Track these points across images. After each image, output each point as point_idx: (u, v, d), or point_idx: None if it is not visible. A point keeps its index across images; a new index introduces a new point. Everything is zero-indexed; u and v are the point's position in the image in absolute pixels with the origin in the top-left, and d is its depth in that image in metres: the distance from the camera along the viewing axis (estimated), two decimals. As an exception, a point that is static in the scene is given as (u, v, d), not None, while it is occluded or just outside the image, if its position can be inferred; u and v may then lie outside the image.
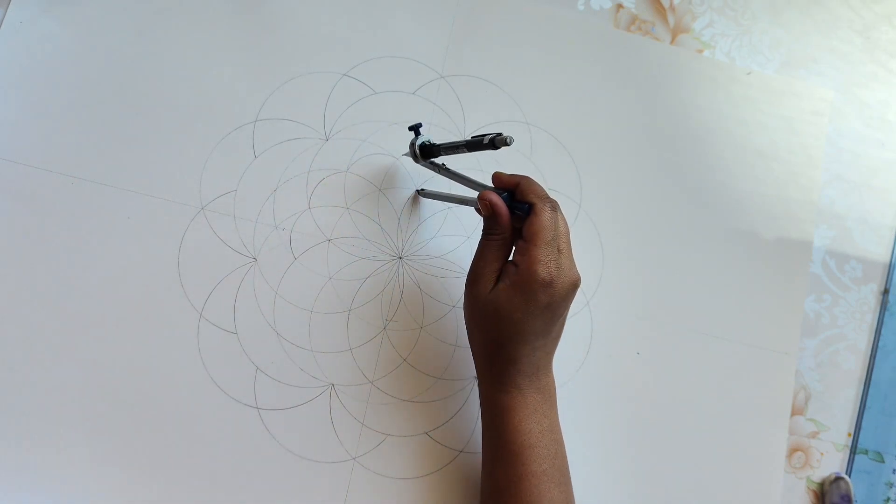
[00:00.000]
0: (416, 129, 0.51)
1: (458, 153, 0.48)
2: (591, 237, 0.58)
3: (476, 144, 0.45)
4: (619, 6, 0.62)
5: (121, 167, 0.54)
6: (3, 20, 0.55)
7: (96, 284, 0.52)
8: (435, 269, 0.56)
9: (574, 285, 0.44)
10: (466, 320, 0.48)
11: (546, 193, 0.45)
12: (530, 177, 0.46)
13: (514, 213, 0.45)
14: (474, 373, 0.55)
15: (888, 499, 0.59)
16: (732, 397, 0.57)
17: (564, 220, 0.45)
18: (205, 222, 0.54)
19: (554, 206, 0.44)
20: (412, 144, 0.51)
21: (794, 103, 0.63)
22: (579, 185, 0.59)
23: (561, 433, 0.47)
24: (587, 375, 0.56)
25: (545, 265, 0.43)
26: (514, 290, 0.44)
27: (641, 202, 0.59)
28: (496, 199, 0.45)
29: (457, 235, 0.57)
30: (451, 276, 0.56)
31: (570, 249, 0.45)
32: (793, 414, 0.58)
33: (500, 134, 0.42)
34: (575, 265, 0.45)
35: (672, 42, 0.62)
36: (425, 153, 0.51)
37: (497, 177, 0.47)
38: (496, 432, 0.46)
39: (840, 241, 0.61)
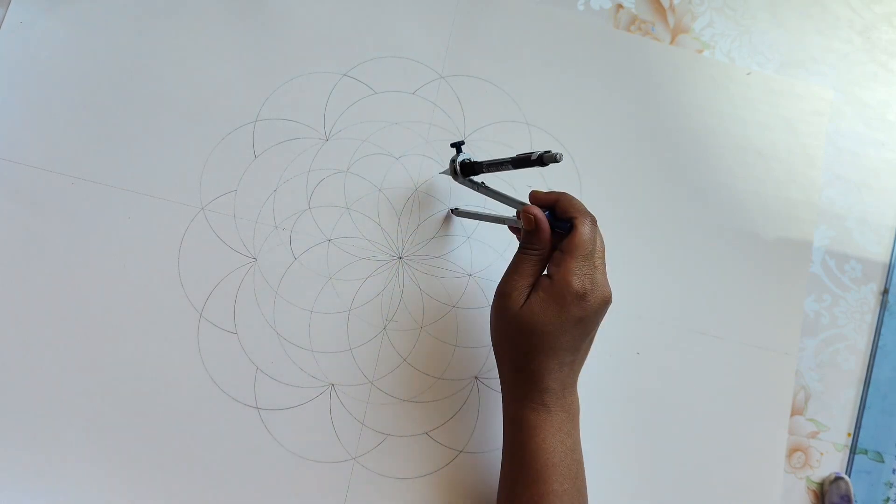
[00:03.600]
0: (458, 146, 0.50)
1: (502, 170, 0.47)
2: (591, 237, 0.58)
3: (523, 161, 0.44)
4: (619, 6, 0.62)
5: (121, 167, 0.54)
6: (3, 20, 0.55)
7: (96, 284, 0.52)
8: (435, 269, 0.56)
9: (606, 301, 0.44)
10: (493, 333, 0.47)
11: (586, 208, 0.45)
12: (569, 193, 0.46)
13: (554, 230, 0.45)
14: (474, 373, 0.55)
15: (888, 499, 0.59)
16: (732, 397, 0.57)
17: (601, 237, 0.45)
18: (205, 222, 0.54)
19: (593, 222, 0.45)
20: (452, 161, 0.50)
21: (794, 103, 0.63)
22: (579, 185, 0.59)
23: (581, 453, 0.46)
24: (587, 375, 0.56)
25: (580, 277, 0.43)
26: (548, 302, 0.43)
27: (641, 202, 0.59)
28: (540, 213, 0.45)
29: (457, 235, 0.57)
30: (452, 276, 0.56)
31: (604, 267, 0.45)
32: (793, 414, 0.58)
33: (548, 151, 0.42)
34: (608, 283, 0.45)
35: (672, 42, 0.63)
36: (466, 171, 0.50)
37: (534, 195, 0.47)
38: (520, 449, 0.45)
39: (840, 241, 0.61)
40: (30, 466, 0.49)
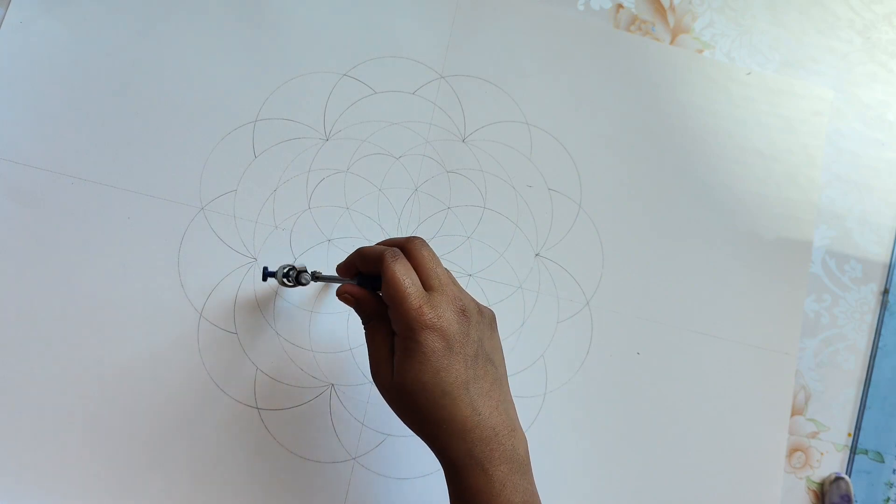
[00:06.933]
0: (269, 274, 0.49)
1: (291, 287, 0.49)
2: (591, 237, 0.58)
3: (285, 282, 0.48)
4: (619, 6, 0.62)
5: (121, 167, 0.54)
6: (3, 20, 0.55)
7: (96, 284, 0.52)
8: (435, 269, 0.56)
9: (462, 312, 0.40)
10: (400, 416, 0.42)
11: (381, 248, 0.41)
12: (360, 247, 0.43)
13: (377, 291, 0.42)
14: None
15: (888, 499, 0.59)
16: (732, 397, 0.57)
17: (428, 253, 0.41)
18: (205, 222, 0.54)
19: (395, 254, 0.40)
20: (279, 276, 0.49)
21: (794, 103, 0.63)
22: (579, 185, 0.59)
23: (538, 502, 0.41)
24: (587, 375, 0.56)
25: (417, 312, 0.38)
26: (407, 357, 0.39)
27: (641, 202, 0.59)
28: (351, 288, 0.42)
29: (457, 235, 0.57)
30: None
31: (443, 281, 0.40)
32: (793, 414, 0.58)
33: (298, 270, 0.45)
34: (456, 294, 0.41)
35: (672, 42, 0.63)
36: (288, 276, 0.49)
37: (338, 269, 0.44)
38: None
39: (840, 241, 0.61)
40: (29, 466, 0.49)
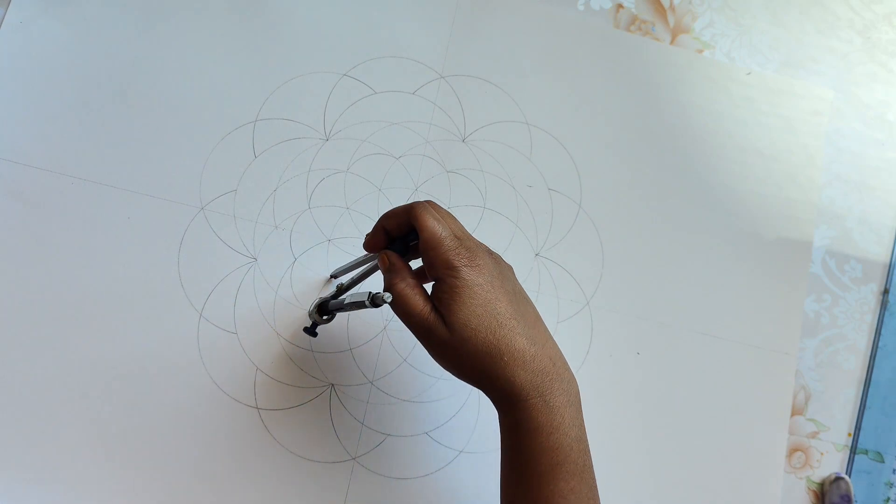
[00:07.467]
0: (313, 328, 0.50)
1: (345, 311, 0.48)
2: (591, 237, 0.58)
3: (358, 304, 0.44)
4: (619, 6, 0.62)
5: (121, 167, 0.54)
6: (3, 20, 0.55)
7: (96, 284, 0.52)
8: (435, 269, 0.56)
9: (489, 253, 0.42)
10: (449, 368, 0.42)
11: (409, 205, 0.42)
12: (384, 213, 0.44)
13: (409, 245, 0.44)
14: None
15: (888, 499, 0.59)
16: (732, 397, 0.57)
17: (445, 210, 0.43)
18: (205, 222, 0.54)
19: (423, 205, 0.42)
20: (312, 315, 0.52)
21: (794, 103, 0.63)
22: (579, 185, 0.59)
23: (587, 440, 0.42)
24: (587, 375, 0.56)
25: (455, 253, 0.40)
26: (455, 296, 0.40)
27: (641, 202, 0.59)
28: (388, 251, 0.43)
29: (457, 235, 0.56)
30: (451, 276, 0.56)
31: (465, 232, 0.43)
32: (793, 414, 0.58)
33: (378, 293, 0.42)
34: (479, 242, 0.43)
35: (672, 42, 0.63)
36: (323, 311, 0.51)
37: (366, 244, 0.45)
38: (519, 454, 0.40)
39: (840, 241, 0.61)
40: (30, 466, 0.49)
